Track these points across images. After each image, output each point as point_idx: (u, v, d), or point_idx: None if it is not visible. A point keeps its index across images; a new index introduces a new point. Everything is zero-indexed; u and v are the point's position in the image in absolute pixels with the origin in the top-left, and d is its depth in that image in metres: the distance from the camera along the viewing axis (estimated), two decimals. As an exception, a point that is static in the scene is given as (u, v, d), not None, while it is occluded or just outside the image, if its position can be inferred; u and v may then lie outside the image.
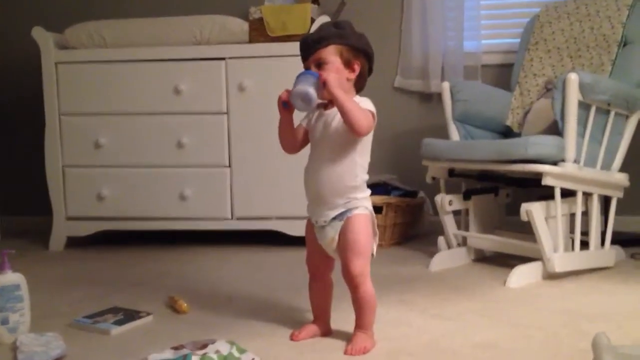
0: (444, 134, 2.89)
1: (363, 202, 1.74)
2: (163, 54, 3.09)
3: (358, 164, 1.72)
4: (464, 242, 2.79)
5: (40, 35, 3.15)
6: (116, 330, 1.93)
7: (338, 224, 1.72)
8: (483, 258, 2.78)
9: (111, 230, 3.22)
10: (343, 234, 1.72)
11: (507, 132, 2.98)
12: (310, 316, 1.90)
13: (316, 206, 1.75)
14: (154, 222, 3.13)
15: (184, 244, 3.18)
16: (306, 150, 1.80)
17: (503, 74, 3.31)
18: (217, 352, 1.64)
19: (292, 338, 1.81)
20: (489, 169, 2.63)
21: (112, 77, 3.11)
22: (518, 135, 2.88)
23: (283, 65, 2.89)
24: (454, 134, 2.87)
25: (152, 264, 2.84)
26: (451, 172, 2.80)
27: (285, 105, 1.69)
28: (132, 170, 3.13)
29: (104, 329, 1.93)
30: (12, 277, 1.87)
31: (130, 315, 2.04)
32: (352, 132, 1.66)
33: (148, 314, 2.05)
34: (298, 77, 1.65)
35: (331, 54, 1.68)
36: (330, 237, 1.74)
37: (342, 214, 1.72)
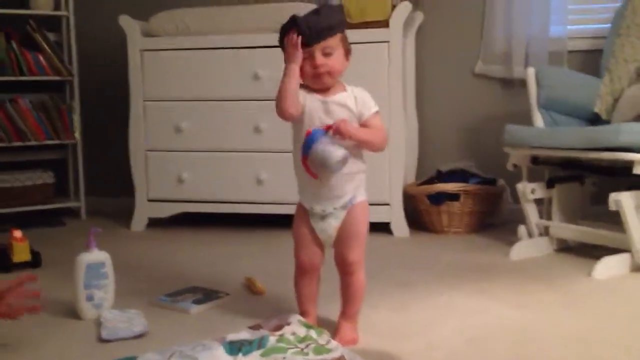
0: (525, 121, 2.80)
1: (363, 182, 1.71)
2: (244, 41, 3.11)
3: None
4: (545, 232, 2.69)
5: (127, 23, 3.23)
6: (195, 309, 1.96)
7: (342, 213, 1.68)
8: (566, 248, 2.68)
9: (190, 212, 3.28)
10: (346, 222, 1.68)
11: (594, 120, 2.85)
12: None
13: (320, 195, 1.67)
14: (231, 205, 3.18)
15: (260, 227, 3.21)
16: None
17: (590, 61, 3.17)
18: (293, 334, 1.65)
19: None
20: (576, 157, 2.53)
21: (194, 64, 3.16)
22: (606, 122, 2.75)
23: (362, 52, 2.85)
24: (539, 120, 2.77)
25: (229, 246, 2.88)
26: (534, 160, 2.71)
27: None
28: (211, 154, 3.18)
29: (184, 307, 1.97)
30: (98, 255, 1.93)
31: (209, 294, 2.07)
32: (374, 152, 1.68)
33: (226, 294, 2.09)
34: (310, 142, 1.57)
35: (338, 43, 1.63)
36: (333, 226, 1.68)
37: (349, 200, 1.67)
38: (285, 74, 1.61)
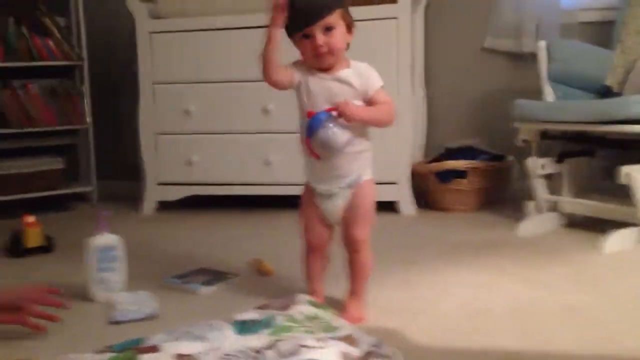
0: (535, 96, 2.77)
1: (369, 161, 1.70)
2: (252, 21, 3.08)
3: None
4: (554, 208, 2.68)
5: (135, 5, 3.23)
6: (205, 290, 1.98)
7: (347, 192, 1.68)
8: (575, 223, 2.66)
9: (199, 194, 3.30)
10: (352, 201, 1.68)
11: (605, 93, 2.81)
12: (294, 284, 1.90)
13: (325, 175, 1.68)
14: (240, 187, 3.19)
15: (269, 209, 3.22)
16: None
17: (602, 32, 3.12)
18: (301, 313, 1.65)
19: None
20: (586, 130, 2.50)
21: (201, 46, 3.16)
22: (618, 95, 2.72)
23: (369, 29, 2.83)
24: (549, 94, 2.74)
25: (238, 228, 2.89)
26: (543, 135, 2.68)
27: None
28: (220, 136, 3.19)
29: (194, 289, 1.99)
30: (109, 238, 1.95)
31: (218, 276, 2.09)
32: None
33: (235, 275, 2.10)
34: (315, 125, 1.58)
35: (338, 19, 1.61)
36: (339, 205, 1.69)
37: (354, 179, 1.67)
38: (265, 40, 1.61)
